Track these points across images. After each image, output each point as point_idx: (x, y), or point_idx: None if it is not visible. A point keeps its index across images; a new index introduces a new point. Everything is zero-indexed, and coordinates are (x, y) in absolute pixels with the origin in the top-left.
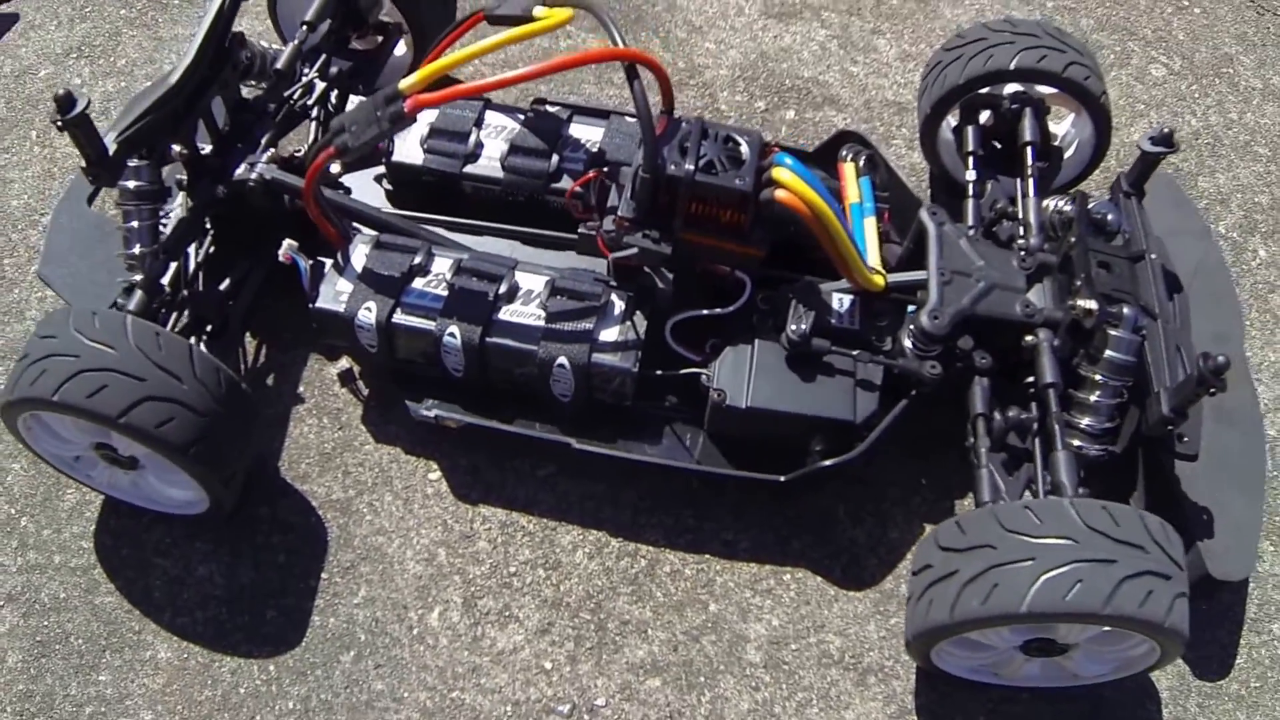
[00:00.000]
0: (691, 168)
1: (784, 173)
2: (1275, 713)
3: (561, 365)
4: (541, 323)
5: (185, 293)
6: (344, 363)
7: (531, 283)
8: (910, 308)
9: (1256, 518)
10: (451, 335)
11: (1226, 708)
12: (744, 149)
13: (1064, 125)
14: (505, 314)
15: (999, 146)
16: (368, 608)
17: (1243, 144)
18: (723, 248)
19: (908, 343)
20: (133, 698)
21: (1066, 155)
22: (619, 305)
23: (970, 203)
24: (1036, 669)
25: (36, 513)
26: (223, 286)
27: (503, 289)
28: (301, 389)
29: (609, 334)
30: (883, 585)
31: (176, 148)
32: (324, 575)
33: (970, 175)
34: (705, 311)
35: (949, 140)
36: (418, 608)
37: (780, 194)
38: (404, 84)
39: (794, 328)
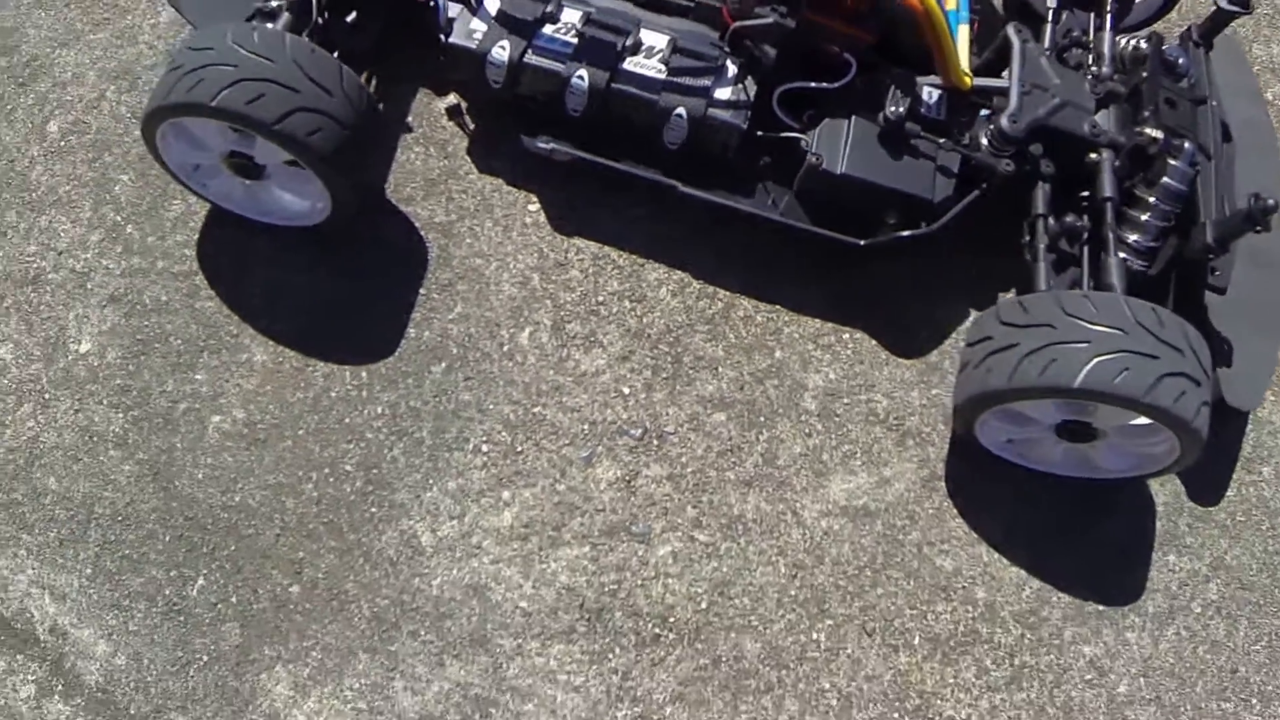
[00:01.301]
0: None
1: None
2: (1254, 547)
3: (679, 115)
4: (663, 75)
5: (320, 20)
6: (452, 98)
7: (654, 39)
8: (984, 112)
9: (1272, 356)
10: (580, 78)
11: (1212, 533)
12: None
13: None
14: (630, 64)
15: None
16: (462, 323)
17: None
18: (839, 30)
19: (984, 140)
20: (227, 396)
21: (1137, 1)
22: (732, 69)
23: (1048, 28)
24: (1061, 455)
25: (142, 221)
26: (350, 18)
27: (629, 42)
28: (410, 119)
29: (723, 93)
30: (929, 357)
31: None
32: (421, 291)
33: (1051, 3)
34: (813, 84)
35: None
36: (509, 326)
37: None
38: None
39: (891, 109)
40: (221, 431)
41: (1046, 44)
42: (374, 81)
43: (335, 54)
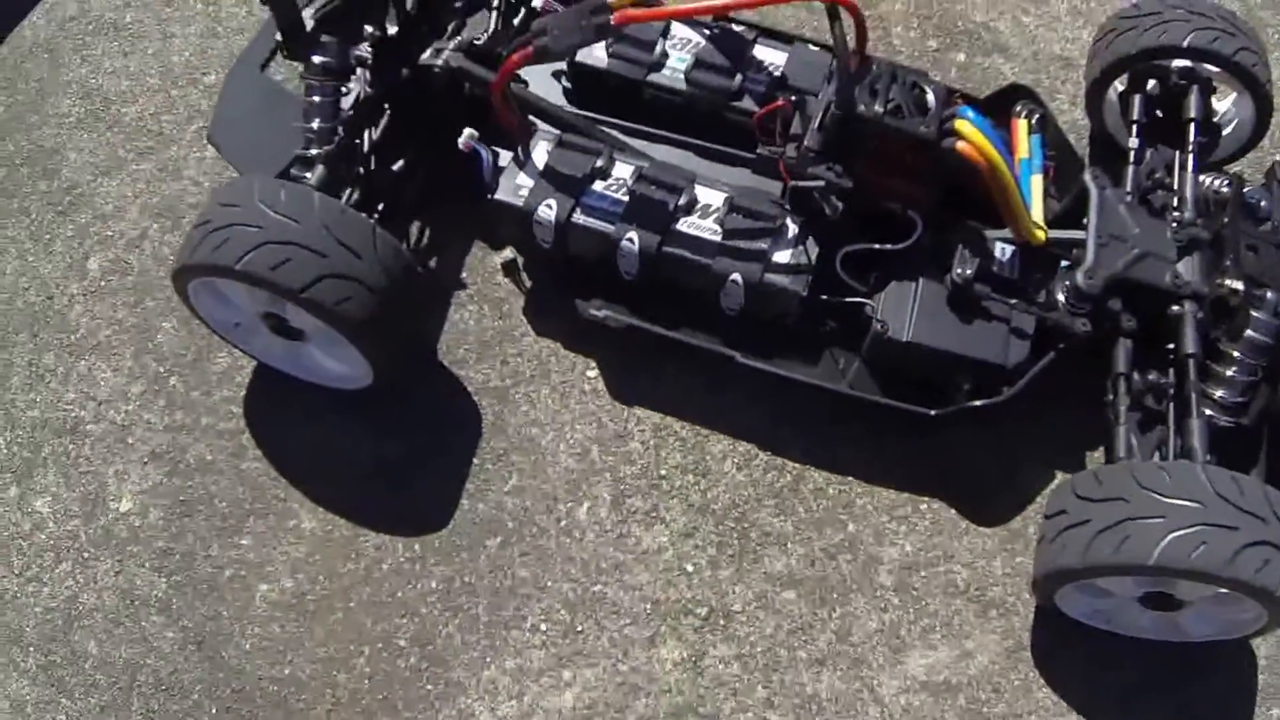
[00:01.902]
0: (880, 110)
1: (966, 125)
2: None
3: (735, 281)
4: (718, 238)
5: (360, 171)
6: (508, 253)
7: (710, 197)
8: (1063, 264)
9: None
10: (630, 241)
11: None
12: (930, 96)
13: (1225, 104)
14: (683, 225)
15: (1160, 115)
16: (517, 496)
17: None
18: (899, 188)
19: (1060, 297)
20: (274, 564)
21: (1225, 133)
22: (793, 229)
23: (1130, 169)
24: (1148, 621)
25: (186, 373)
26: (395, 168)
27: (682, 200)
28: (464, 274)
29: (782, 255)
30: (1011, 524)
31: (368, 28)
32: (475, 460)
33: (1133, 143)
34: (876, 246)
35: (1113, 103)
36: (567, 501)
37: (961, 145)
38: None
39: (959, 271)
40: (269, 601)
41: (1129, 185)
42: (425, 234)
43: (379, 205)
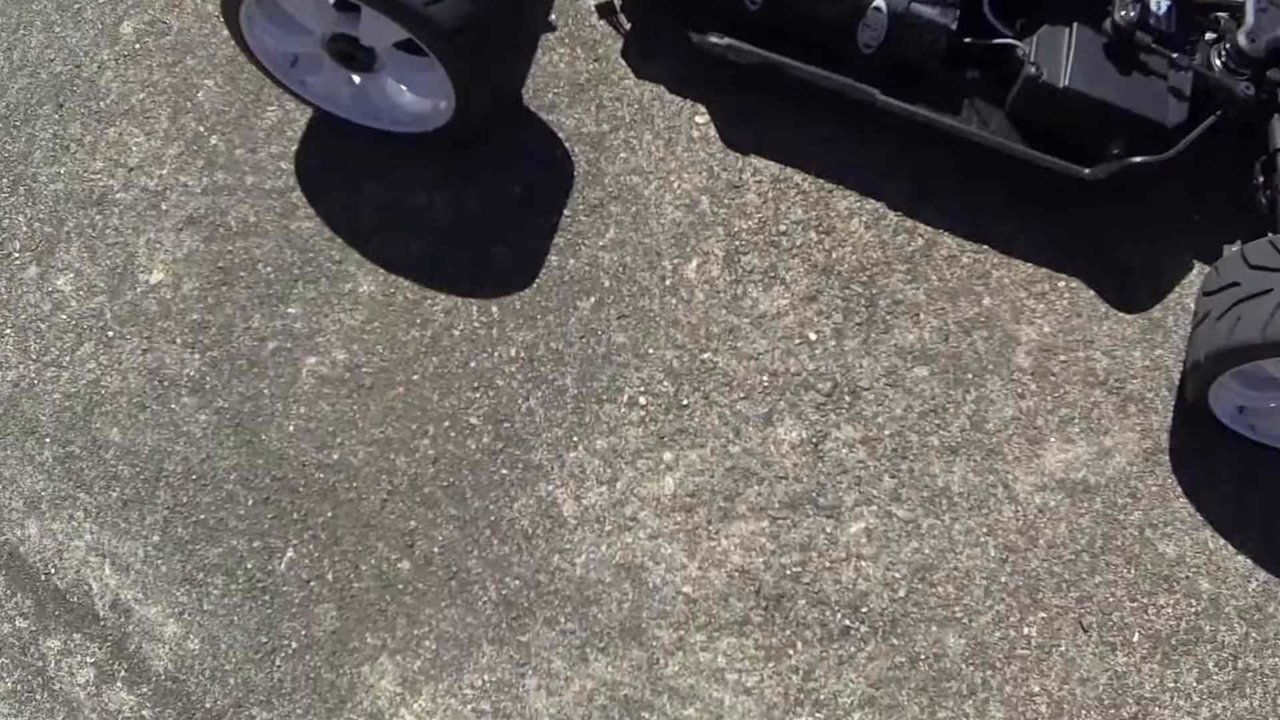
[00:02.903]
0: None
1: None
2: None
3: (878, 9)
4: None
5: None
6: None
7: None
8: (1207, 35)
9: None
10: None
11: None
12: None
13: None
14: None
15: None
16: (615, 251)
17: None
18: None
19: (1217, 61)
20: (325, 334)
21: None
22: None
23: None
24: None
25: (229, 131)
26: None
27: None
28: (553, 16)
29: None
30: (1151, 313)
31: None
32: (566, 212)
33: None
34: None
35: None
36: (673, 256)
37: None
38: None
39: (1122, 14)
40: (318, 376)
41: None
42: None
43: None
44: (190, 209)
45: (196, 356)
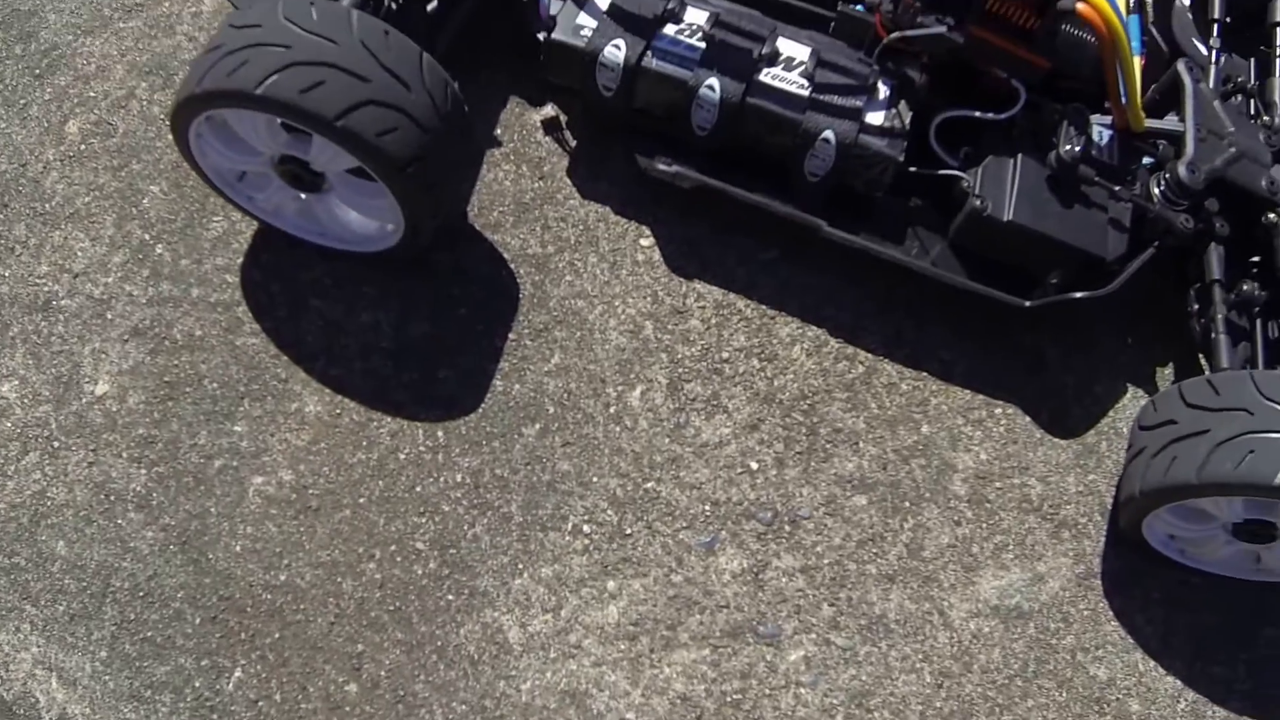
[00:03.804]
0: None
1: None
2: None
3: (826, 140)
4: (807, 92)
5: (394, 5)
6: (549, 109)
7: (794, 50)
8: (1146, 160)
9: None
10: (710, 89)
11: None
12: None
13: None
14: (768, 76)
15: (1229, 22)
16: (560, 377)
17: None
18: (1011, 51)
19: (1156, 191)
20: (272, 453)
21: None
22: (884, 90)
23: (1212, 69)
24: (1229, 555)
25: (175, 240)
26: (431, 7)
27: (765, 50)
28: (499, 131)
29: (875, 117)
30: (1085, 438)
31: None
32: (511, 336)
33: (1214, 43)
34: (977, 114)
35: (1180, 10)
36: (617, 383)
37: (1082, 6)
38: None
39: (1066, 149)
40: (265, 496)
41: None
42: (456, 85)
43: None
44: (136, 319)
45: (143, 472)
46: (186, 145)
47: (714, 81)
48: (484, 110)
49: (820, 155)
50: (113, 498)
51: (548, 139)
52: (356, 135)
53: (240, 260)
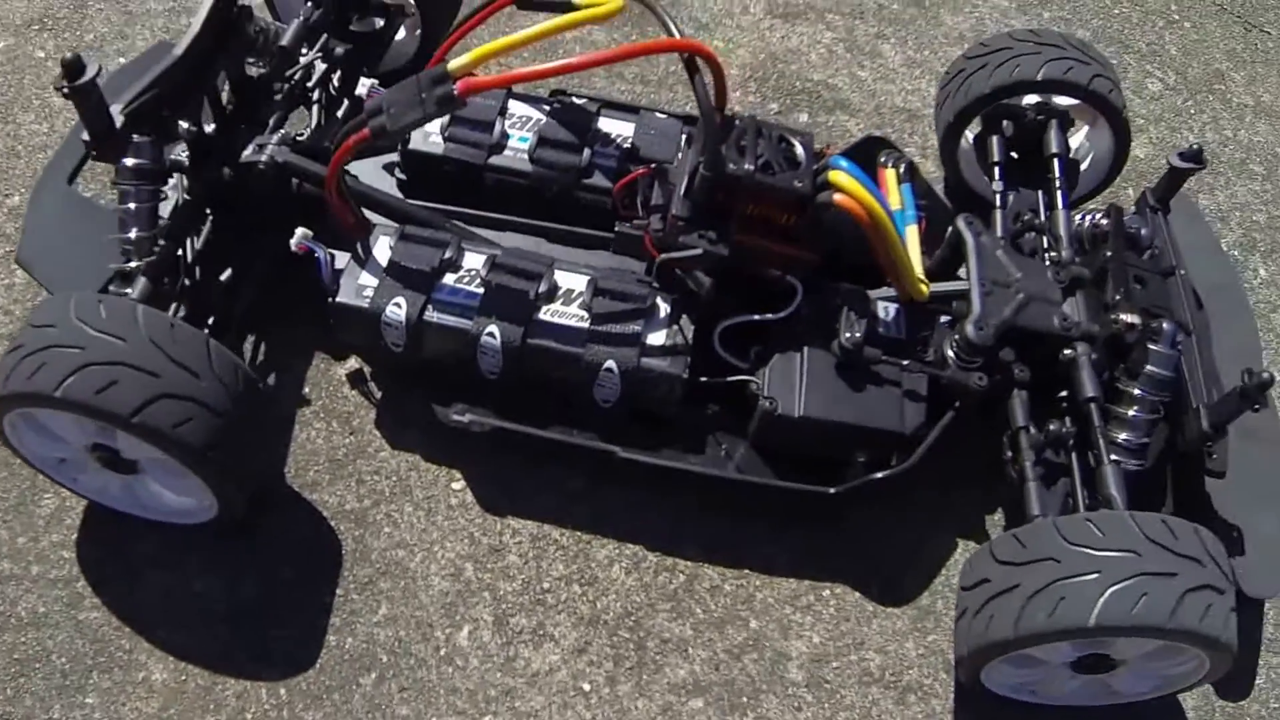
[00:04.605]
0: (751, 167)
1: (842, 176)
2: None
3: (609, 370)
4: (586, 324)
5: (186, 283)
6: (353, 363)
7: (571, 281)
8: (943, 319)
9: None
10: (491, 335)
11: None
12: (799, 149)
13: (1078, 138)
14: (547, 314)
15: (1015, 157)
16: (389, 626)
17: (1239, 161)
18: (778, 251)
19: (949, 353)
20: None
21: (1083, 168)
22: (664, 308)
23: (997, 213)
24: (1077, 686)
25: (10, 519)
26: (223, 277)
27: (542, 288)
28: (307, 390)
29: (656, 337)
30: (919, 602)
31: (183, 124)
32: (339, 591)
33: (997, 186)
34: (757, 316)
35: (967, 150)
36: (445, 626)
37: (839, 197)
38: (454, 65)
39: (847, 335)
40: None
41: (1000, 232)
42: (261, 348)
43: (208, 319)
44: None
45: None
46: (5, 437)
47: (494, 328)
48: (291, 367)
49: (606, 384)
50: None
51: (353, 392)
52: (153, 429)
53: (75, 536)
